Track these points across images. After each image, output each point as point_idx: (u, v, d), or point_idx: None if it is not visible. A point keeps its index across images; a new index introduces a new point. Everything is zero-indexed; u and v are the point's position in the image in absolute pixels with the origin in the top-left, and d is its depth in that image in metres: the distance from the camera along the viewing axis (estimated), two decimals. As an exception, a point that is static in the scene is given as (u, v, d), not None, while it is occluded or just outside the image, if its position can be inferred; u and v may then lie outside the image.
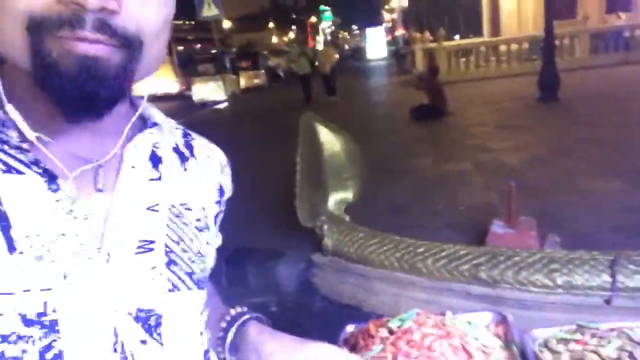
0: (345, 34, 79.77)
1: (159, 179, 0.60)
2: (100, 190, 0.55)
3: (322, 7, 61.78)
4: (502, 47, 15.63)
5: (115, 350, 0.52)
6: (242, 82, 21.03)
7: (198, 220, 0.63)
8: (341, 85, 14.26)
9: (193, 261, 0.60)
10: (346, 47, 59.53)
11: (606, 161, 5.34)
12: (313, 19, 60.97)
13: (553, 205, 4.21)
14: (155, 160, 0.61)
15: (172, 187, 0.61)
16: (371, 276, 3.12)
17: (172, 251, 0.58)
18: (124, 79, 0.51)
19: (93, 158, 0.55)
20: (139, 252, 0.55)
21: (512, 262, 2.74)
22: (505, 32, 19.20)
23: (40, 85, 0.48)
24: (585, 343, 0.85)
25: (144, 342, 0.54)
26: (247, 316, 0.73)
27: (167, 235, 0.58)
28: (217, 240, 0.74)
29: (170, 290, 0.57)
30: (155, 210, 0.58)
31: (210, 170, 0.68)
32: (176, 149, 0.65)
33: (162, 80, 19.85)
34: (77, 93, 0.48)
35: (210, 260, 0.68)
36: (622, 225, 3.63)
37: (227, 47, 28.08)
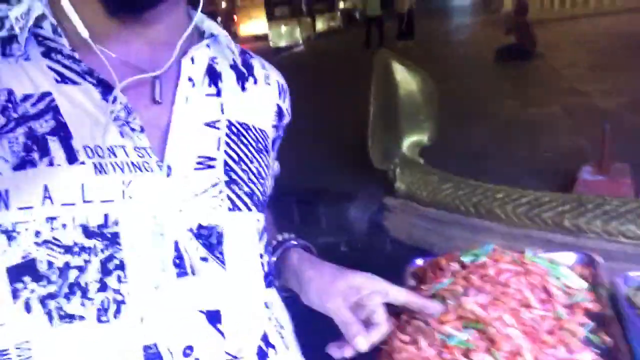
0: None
1: (218, 94, 0.58)
2: (158, 103, 0.53)
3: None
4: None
5: (176, 265, 0.51)
6: (318, 26, 20.64)
7: (257, 141, 0.61)
8: (420, 28, 13.51)
9: (253, 182, 0.59)
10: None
11: None
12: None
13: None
14: (214, 75, 0.59)
15: (230, 104, 0.59)
16: (445, 220, 3.04)
17: (232, 170, 0.56)
18: None
19: (148, 69, 0.53)
20: (199, 168, 0.54)
21: (601, 210, 2.53)
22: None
23: None
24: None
25: (204, 259, 0.53)
26: (293, 242, 0.72)
27: (226, 152, 0.56)
28: (274, 166, 0.72)
29: (230, 210, 0.55)
30: (214, 127, 0.56)
31: (269, 92, 0.66)
32: (234, 66, 0.62)
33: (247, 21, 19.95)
34: None
35: (268, 186, 0.66)
36: None
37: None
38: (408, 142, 3.49)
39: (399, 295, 0.65)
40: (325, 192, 3.74)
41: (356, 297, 0.63)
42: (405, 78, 3.39)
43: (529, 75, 7.65)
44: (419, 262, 0.92)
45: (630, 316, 0.71)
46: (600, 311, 0.75)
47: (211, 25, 0.61)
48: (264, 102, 0.65)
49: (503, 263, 0.84)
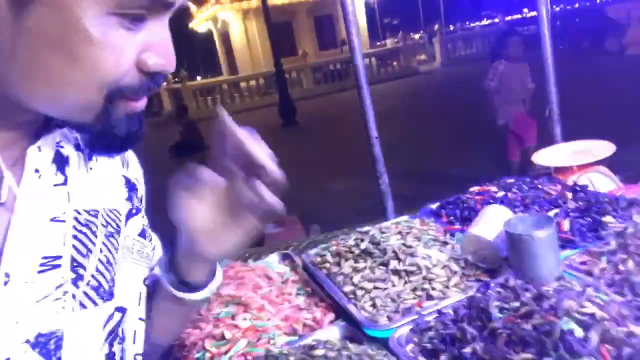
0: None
1: (64, 183, 0.54)
2: (1, 203, 0.49)
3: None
4: (242, 84, 17.07)
5: None
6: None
7: (107, 225, 0.58)
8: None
9: (101, 273, 0.55)
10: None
11: (341, 167, 6.54)
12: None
13: (309, 204, 4.99)
14: (61, 161, 0.55)
15: (78, 191, 0.55)
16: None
17: (79, 264, 0.53)
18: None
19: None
20: (43, 270, 0.49)
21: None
22: (242, 70, 20.95)
23: (85, 131, 0.52)
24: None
25: None
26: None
27: (73, 247, 0.53)
28: (144, 242, 0.67)
29: (75, 310, 0.52)
30: (60, 221, 0.52)
31: (111, 165, 0.63)
32: (78, 146, 0.59)
33: None
34: (128, 137, 0.51)
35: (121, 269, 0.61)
36: (363, 209, 4.60)
37: None
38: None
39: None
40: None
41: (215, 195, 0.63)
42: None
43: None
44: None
45: (316, 272, 1.17)
46: (299, 278, 1.19)
47: None
48: (109, 177, 0.62)
49: (237, 267, 1.22)
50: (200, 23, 23.95)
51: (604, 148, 1.51)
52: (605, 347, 0.65)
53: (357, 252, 1.12)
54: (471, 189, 1.32)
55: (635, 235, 0.93)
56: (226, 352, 0.93)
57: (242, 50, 21.44)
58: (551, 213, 1.09)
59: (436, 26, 20.76)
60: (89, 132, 0.51)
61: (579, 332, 0.67)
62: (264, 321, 1.00)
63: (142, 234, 0.67)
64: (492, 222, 1.01)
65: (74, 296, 0.51)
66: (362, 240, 1.15)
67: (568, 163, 1.48)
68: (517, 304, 0.77)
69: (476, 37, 20.39)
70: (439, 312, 0.87)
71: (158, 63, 0.48)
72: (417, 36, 23.91)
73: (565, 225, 1.04)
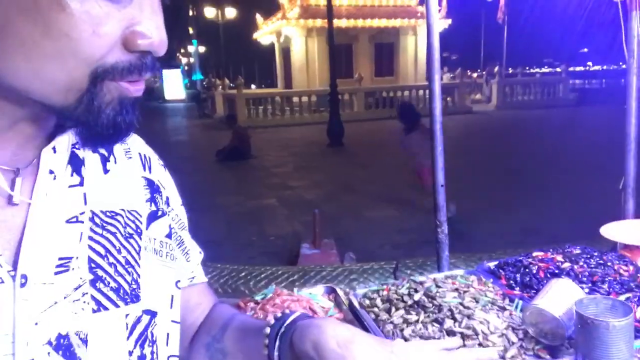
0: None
1: (81, 184, 0.54)
2: (14, 204, 0.49)
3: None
4: (295, 99, 17.32)
5: None
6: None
7: (125, 226, 0.57)
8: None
9: (120, 275, 0.55)
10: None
11: (381, 194, 6.49)
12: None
13: (345, 230, 4.96)
14: (77, 163, 0.54)
15: (94, 193, 0.55)
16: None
17: (97, 266, 0.52)
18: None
19: (14, 166, 0.50)
20: (60, 272, 0.49)
21: (320, 276, 3.23)
22: (296, 85, 21.30)
23: (72, 119, 0.48)
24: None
25: None
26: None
27: (90, 248, 0.52)
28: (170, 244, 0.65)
29: (95, 311, 0.51)
30: (76, 222, 0.52)
31: (131, 167, 0.62)
32: (96, 149, 0.58)
33: None
34: (115, 126, 0.48)
35: (150, 267, 0.60)
36: (398, 243, 4.52)
37: None
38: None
39: None
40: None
41: None
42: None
43: (247, 173, 8.79)
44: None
45: (365, 316, 1.14)
46: (343, 317, 1.17)
47: None
48: (128, 179, 0.61)
49: (283, 296, 1.21)
50: (264, 35, 24.58)
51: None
52: None
53: (409, 302, 1.09)
54: (534, 254, 1.26)
55: None
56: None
57: (300, 66, 21.82)
58: (623, 297, 1.03)
59: (496, 67, 20.48)
60: (73, 119, 0.47)
61: None
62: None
63: (169, 236, 0.65)
64: (559, 298, 0.96)
65: (93, 297, 0.51)
66: (416, 291, 1.11)
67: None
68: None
69: (536, 84, 20.02)
70: (494, 384, 0.83)
71: (146, 41, 0.45)
72: (474, 74, 23.67)
73: (639, 312, 0.97)
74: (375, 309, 1.14)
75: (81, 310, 0.50)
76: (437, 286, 1.13)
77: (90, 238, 0.52)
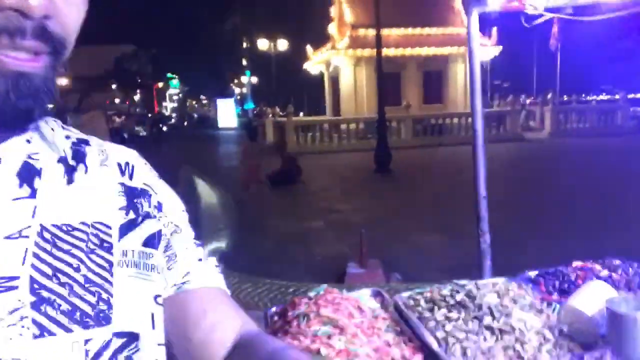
0: (194, 102, 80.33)
1: (32, 196, 0.49)
2: None
3: (169, 74, 62.06)
4: (343, 126, 17.61)
5: None
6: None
7: (87, 241, 0.52)
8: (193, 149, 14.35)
9: (77, 295, 0.49)
10: (195, 115, 60.97)
11: (428, 219, 6.49)
12: (160, 84, 60.52)
13: (391, 253, 5.01)
14: (29, 173, 0.50)
15: (49, 205, 0.50)
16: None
17: (42, 287, 0.47)
18: (51, 90, 0.47)
19: None
20: None
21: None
22: (344, 113, 21.63)
23: None
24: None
25: None
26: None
27: (34, 267, 0.47)
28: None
29: (37, 336, 0.46)
30: (18, 238, 0.47)
31: (104, 175, 0.58)
32: (63, 160, 0.54)
33: None
34: (8, 111, 0.44)
35: (125, 283, 0.53)
36: (445, 267, 4.53)
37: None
38: (208, 248, 3.83)
39: None
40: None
41: None
42: (206, 191, 3.83)
43: (297, 196, 9.05)
44: (273, 309, 1.36)
45: (409, 315, 1.23)
46: (390, 318, 1.27)
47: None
48: (99, 189, 0.56)
49: (334, 294, 1.33)
50: (314, 65, 25.22)
51: None
52: None
53: (451, 302, 1.18)
54: (574, 264, 1.32)
55: None
56: (320, 368, 1.03)
57: (348, 95, 22.17)
58: (658, 301, 1.07)
59: (549, 94, 20.03)
60: None
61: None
62: (356, 347, 1.09)
63: (150, 244, 0.59)
64: (593, 298, 1.02)
65: (34, 321, 0.46)
66: (458, 292, 1.20)
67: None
68: (611, 379, 0.78)
69: (592, 111, 19.37)
70: (529, 373, 0.90)
71: None
72: (528, 101, 23.21)
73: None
74: (419, 309, 1.24)
75: (18, 336, 0.45)
76: (478, 288, 1.21)
77: (36, 255, 0.48)
